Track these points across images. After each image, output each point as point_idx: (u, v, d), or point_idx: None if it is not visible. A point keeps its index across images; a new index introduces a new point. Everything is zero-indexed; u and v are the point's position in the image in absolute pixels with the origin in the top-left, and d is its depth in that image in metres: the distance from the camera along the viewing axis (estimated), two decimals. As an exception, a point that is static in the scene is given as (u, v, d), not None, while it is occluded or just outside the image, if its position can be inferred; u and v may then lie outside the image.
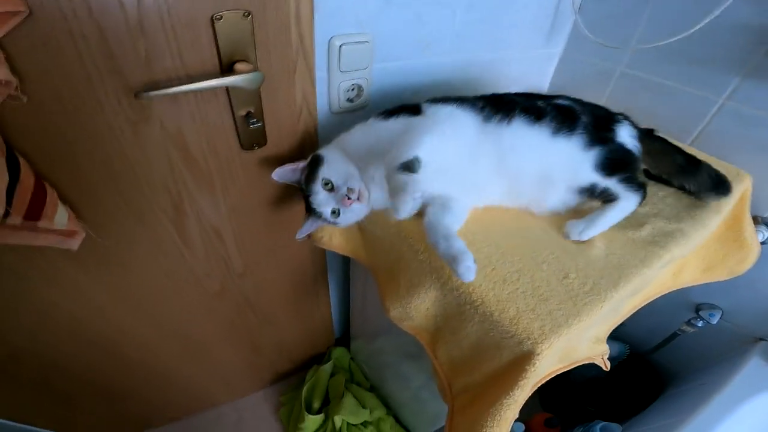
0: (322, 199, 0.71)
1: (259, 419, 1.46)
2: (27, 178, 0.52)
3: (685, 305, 1.18)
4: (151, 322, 0.94)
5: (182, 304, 0.95)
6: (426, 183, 0.64)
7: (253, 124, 0.70)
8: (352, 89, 0.81)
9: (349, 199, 0.68)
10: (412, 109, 0.74)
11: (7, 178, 0.46)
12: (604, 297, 0.62)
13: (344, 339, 1.57)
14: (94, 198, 0.67)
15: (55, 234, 0.58)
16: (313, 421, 1.31)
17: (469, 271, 0.57)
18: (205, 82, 0.60)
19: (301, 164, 0.74)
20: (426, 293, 0.70)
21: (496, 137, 0.71)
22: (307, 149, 0.83)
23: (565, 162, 0.71)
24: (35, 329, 0.80)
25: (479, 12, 0.88)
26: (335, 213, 0.71)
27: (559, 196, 0.74)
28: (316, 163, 0.72)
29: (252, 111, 0.70)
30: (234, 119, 0.70)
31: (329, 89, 0.80)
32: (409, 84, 0.89)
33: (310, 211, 0.73)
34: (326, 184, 0.70)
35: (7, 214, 0.50)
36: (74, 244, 0.62)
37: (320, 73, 0.76)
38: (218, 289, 0.98)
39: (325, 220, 0.73)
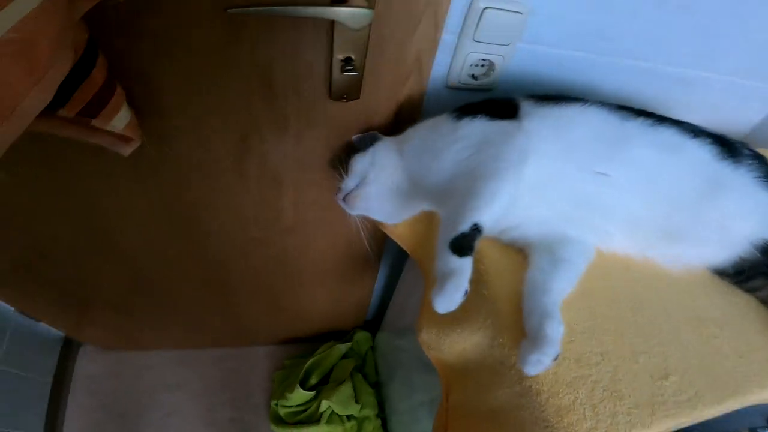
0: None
1: (253, 374, 1.45)
2: (98, 76, 0.47)
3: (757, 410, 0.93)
4: (184, 246, 0.92)
5: (220, 240, 0.92)
6: (524, 214, 0.53)
7: (348, 71, 0.60)
8: (481, 64, 0.68)
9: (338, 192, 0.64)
10: (501, 107, 0.59)
11: (66, 70, 0.40)
12: (696, 413, 0.49)
13: (372, 324, 1.50)
14: (164, 109, 0.61)
15: (107, 135, 0.54)
16: (301, 395, 1.27)
17: (538, 366, 0.46)
18: (304, 7, 0.50)
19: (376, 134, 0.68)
20: (471, 334, 0.59)
21: (642, 143, 0.55)
22: (404, 119, 0.72)
23: (752, 201, 0.56)
24: (76, 231, 0.81)
25: (695, 16, 0.66)
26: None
27: (723, 247, 0.59)
28: (363, 142, 0.66)
29: (353, 57, 0.59)
30: (330, 62, 0.60)
31: (453, 58, 0.66)
32: (556, 79, 0.73)
33: None
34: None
35: (60, 106, 0.46)
36: (126, 149, 0.58)
37: (448, 37, 0.63)
38: (259, 236, 0.93)
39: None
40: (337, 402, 1.25)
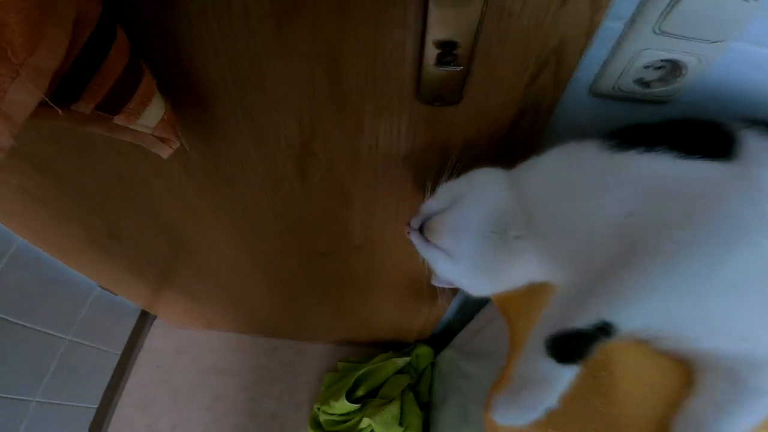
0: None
1: (304, 371, 1.42)
2: (115, 62, 0.37)
3: None
4: (244, 250, 0.84)
5: (283, 248, 0.82)
6: (713, 321, 0.35)
7: (447, 63, 0.43)
8: (660, 66, 0.46)
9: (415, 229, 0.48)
10: (703, 136, 0.38)
11: (58, 55, 0.30)
12: None
13: (439, 339, 1.35)
14: (209, 102, 0.50)
15: (139, 133, 0.44)
16: (344, 406, 1.20)
17: None
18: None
19: None
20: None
21: None
22: (519, 140, 0.54)
23: None
24: (137, 216, 0.76)
25: None
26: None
27: None
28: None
29: (457, 42, 0.42)
30: (421, 50, 0.43)
31: (614, 54, 0.45)
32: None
33: None
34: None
35: (74, 100, 0.36)
36: (163, 151, 0.48)
37: (612, 24, 0.43)
38: (324, 250, 0.81)
39: None
40: (380, 423, 1.17)
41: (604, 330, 0.33)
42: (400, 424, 1.20)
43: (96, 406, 1.28)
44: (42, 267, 1.03)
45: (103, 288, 1.19)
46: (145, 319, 1.42)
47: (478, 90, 0.48)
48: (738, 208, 0.32)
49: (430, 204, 0.50)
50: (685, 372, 0.41)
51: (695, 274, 0.32)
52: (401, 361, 1.29)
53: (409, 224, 0.51)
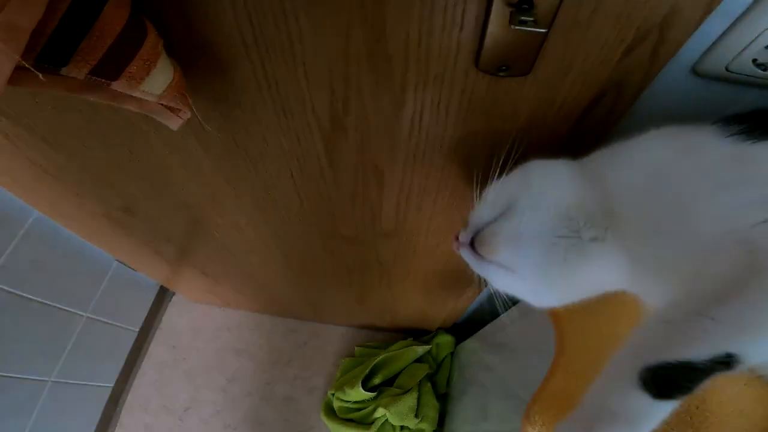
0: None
1: (321, 354, 1.39)
2: (113, 17, 0.30)
3: None
4: (263, 229, 0.79)
5: (303, 230, 0.76)
6: None
7: (522, 23, 0.34)
8: None
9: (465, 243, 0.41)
10: None
11: (35, 9, 0.24)
12: None
13: (461, 328, 1.29)
14: (226, 67, 0.43)
15: (142, 102, 0.37)
16: (360, 394, 1.17)
17: None
18: None
19: None
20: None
21: None
22: (597, 122, 0.46)
23: None
24: (152, 191, 0.71)
25: None
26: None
27: None
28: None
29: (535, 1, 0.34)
30: (487, 8, 0.35)
31: (732, 28, 0.36)
32: None
33: None
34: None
35: (63, 64, 0.30)
36: (173, 122, 0.42)
37: None
38: (351, 235, 0.75)
39: None
40: (395, 413, 1.13)
41: (726, 363, 0.26)
42: (416, 416, 1.16)
43: (112, 385, 1.28)
44: (59, 241, 1.00)
45: (121, 262, 1.17)
46: (163, 296, 1.41)
47: (554, 61, 0.40)
48: None
49: (481, 212, 0.43)
50: None
51: None
52: (421, 350, 1.24)
53: (457, 238, 0.44)
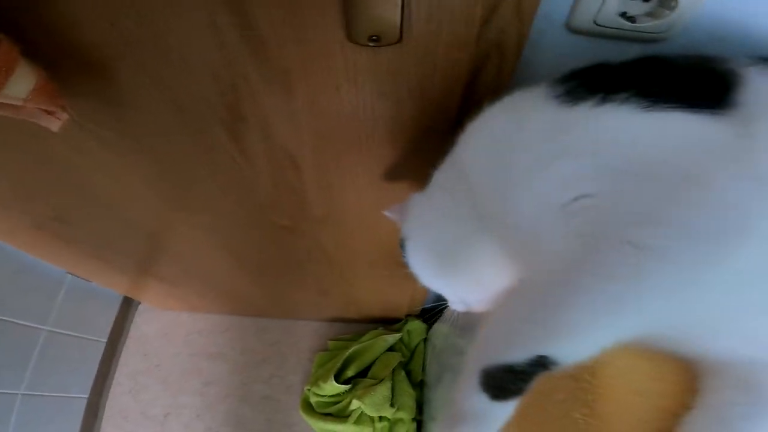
0: None
1: (294, 351, 1.40)
2: None
3: None
4: (197, 228, 0.79)
5: (239, 223, 0.77)
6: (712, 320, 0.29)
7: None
8: None
9: None
10: (687, 77, 0.28)
11: None
12: None
13: (430, 313, 1.31)
14: (104, 69, 0.43)
15: (14, 108, 0.38)
16: (333, 388, 1.19)
17: None
18: None
19: None
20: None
21: None
22: (488, 80, 0.46)
23: None
24: (76, 198, 0.71)
25: None
26: None
27: None
28: None
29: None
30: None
31: None
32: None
33: None
34: None
35: None
36: (52, 124, 0.42)
37: None
38: (288, 224, 0.76)
39: None
40: (370, 404, 1.15)
41: (542, 365, 0.27)
42: (392, 405, 1.17)
43: (87, 396, 1.29)
44: (6, 258, 1.00)
45: (74, 275, 1.17)
46: (129, 305, 1.41)
47: (422, 26, 0.40)
48: (738, 194, 0.24)
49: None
50: (688, 377, 0.35)
51: (672, 289, 0.24)
52: (391, 338, 1.25)
53: None
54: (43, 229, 0.82)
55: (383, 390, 1.17)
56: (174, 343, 1.41)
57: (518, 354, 0.27)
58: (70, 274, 1.17)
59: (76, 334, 1.24)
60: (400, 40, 0.41)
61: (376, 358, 1.25)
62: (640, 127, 0.26)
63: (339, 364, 1.23)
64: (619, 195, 0.25)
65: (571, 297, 0.26)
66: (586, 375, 0.36)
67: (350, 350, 1.24)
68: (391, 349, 1.27)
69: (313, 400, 1.26)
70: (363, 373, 1.25)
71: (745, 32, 0.40)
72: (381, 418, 1.20)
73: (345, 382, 1.22)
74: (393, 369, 1.22)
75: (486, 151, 0.34)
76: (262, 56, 0.43)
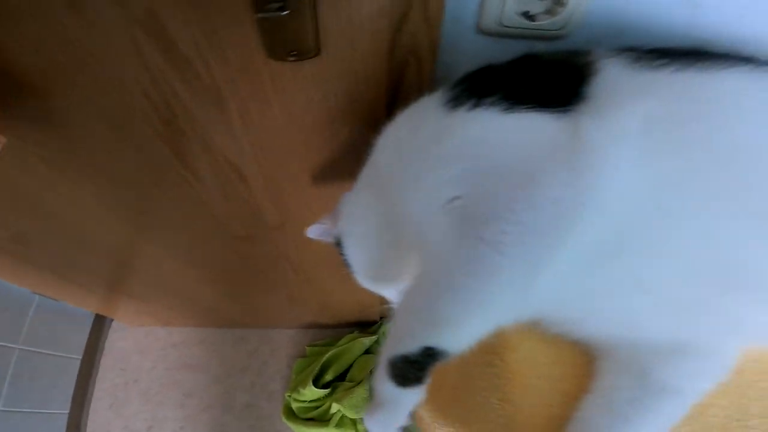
0: None
1: (273, 358, 1.42)
2: None
3: None
4: (157, 243, 0.81)
5: (197, 235, 0.79)
6: (588, 301, 0.32)
7: (276, 10, 0.38)
8: None
9: None
10: (547, 77, 0.32)
11: None
12: None
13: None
14: (37, 91, 0.45)
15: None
16: (313, 392, 1.22)
17: None
18: None
19: None
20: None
21: None
22: (411, 84, 0.49)
23: None
24: (31, 218, 0.72)
25: None
26: None
27: None
28: None
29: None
30: (253, 3, 0.38)
31: None
32: (662, 27, 0.43)
33: None
34: None
35: None
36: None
37: None
38: (246, 234, 0.78)
39: None
40: (348, 406, 1.18)
41: (431, 355, 0.29)
42: (371, 405, 1.20)
43: (67, 412, 1.30)
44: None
45: (40, 294, 1.18)
46: (101, 322, 1.42)
47: (336, 40, 0.43)
48: (560, 189, 0.26)
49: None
50: (587, 361, 0.37)
51: (525, 278, 0.28)
52: (367, 341, 1.28)
53: None
54: (1, 250, 0.83)
55: (362, 392, 1.20)
56: (150, 357, 1.42)
57: (410, 346, 0.30)
58: (38, 294, 1.18)
59: (49, 352, 1.24)
60: (318, 53, 0.44)
61: (354, 361, 1.28)
62: (500, 129, 0.29)
63: (317, 369, 1.25)
64: (479, 196, 0.28)
65: (444, 293, 0.29)
66: (497, 360, 0.38)
67: (327, 355, 1.26)
68: (368, 351, 1.30)
69: (294, 405, 1.29)
70: (341, 377, 1.28)
71: (638, 23, 0.43)
72: (361, 420, 1.23)
73: (324, 387, 1.24)
74: (371, 371, 1.25)
75: (391, 153, 0.37)
76: (188, 75, 0.45)
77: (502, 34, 0.45)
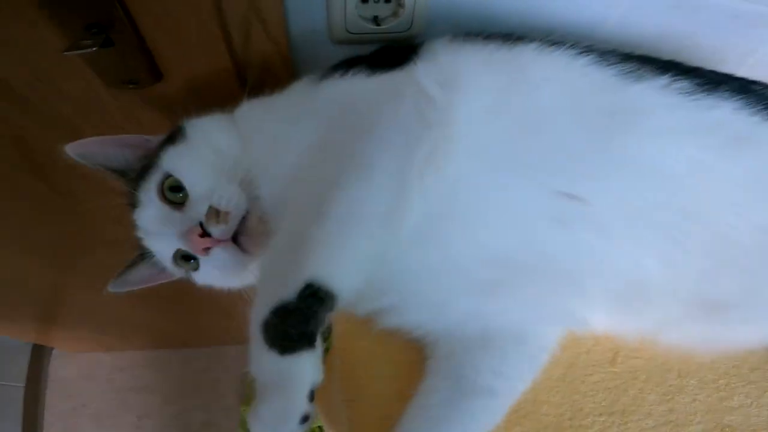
0: (155, 223, 0.40)
1: (225, 375, 1.42)
2: None
3: None
4: (65, 271, 0.82)
5: (103, 261, 0.79)
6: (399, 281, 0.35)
7: (92, 47, 0.38)
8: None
9: (204, 234, 0.36)
10: (395, 53, 0.39)
11: None
12: None
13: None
14: None
15: None
16: None
17: None
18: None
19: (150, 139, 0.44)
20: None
21: (673, 127, 0.33)
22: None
23: None
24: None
25: None
26: (186, 260, 0.41)
27: None
28: (171, 139, 0.41)
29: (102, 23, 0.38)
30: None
31: None
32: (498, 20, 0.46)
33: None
34: (173, 190, 0.39)
35: None
36: None
37: None
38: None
39: (165, 269, 0.44)
40: None
41: (315, 295, 0.27)
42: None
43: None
44: None
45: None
46: (41, 351, 1.41)
47: (176, 64, 0.45)
48: (407, 105, 0.33)
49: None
50: (421, 359, 0.38)
51: (390, 180, 0.32)
52: (317, 347, 1.30)
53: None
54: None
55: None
56: (97, 382, 1.41)
57: (285, 291, 0.27)
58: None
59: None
60: (161, 78, 0.45)
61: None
62: (364, 84, 0.36)
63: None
64: (345, 128, 0.35)
65: (316, 218, 0.30)
66: (338, 362, 0.40)
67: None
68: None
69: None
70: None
71: (474, 16, 0.46)
72: (320, 428, 1.24)
73: (278, 397, 1.26)
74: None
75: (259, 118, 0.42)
76: (32, 110, 0.46)
77: (354, 40, 0.47)
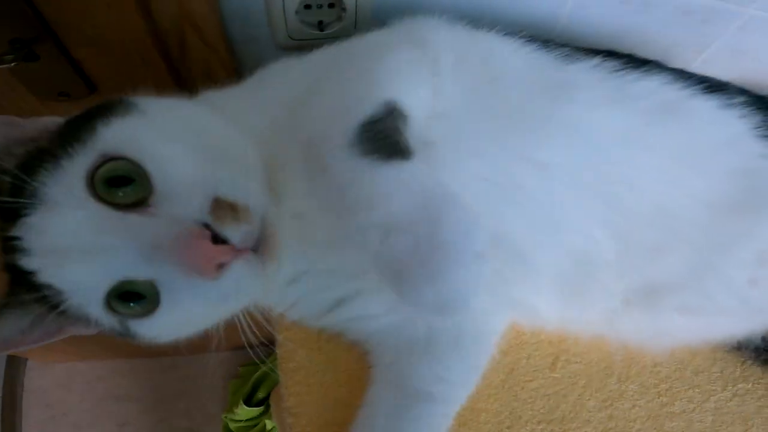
0: (86, 234, 0.26)
1: (207, 382, 1.43)
2: None
3: None
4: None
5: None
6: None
7: (12, 62, 0.38)
8: (327, 3, 0.44)
9: (217, 240, 0.25)
10: None
11: None
12: None
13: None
14: None
15: None
16: (246, 411, 1.24)
17: None
18: None
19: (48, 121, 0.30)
20: None
21: (606, 99, 0.35)
22: None
23: None
24: None
25: None
26: (127, 300, 0.28)
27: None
28: (102, 114, 0.28)
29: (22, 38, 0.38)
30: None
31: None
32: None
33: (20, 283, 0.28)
34: (113, 183, 0.26)
35: None
36: None
37: None
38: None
39: (69, 320, 0.30)
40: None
41: (394, 113, 0.28)
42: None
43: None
44: None
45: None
46: (15, 362, 1.41)
47: (108, 77, 0.45)
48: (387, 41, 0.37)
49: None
50: (363, 367, 0.39)
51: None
52: (297, 353, 1.31)
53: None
54: None
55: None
56: (75, 391, 1.41)
57: (369, 106, 0.27)
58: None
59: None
60: (95, 90, 0.45)
61: (284, 377, 1.31)
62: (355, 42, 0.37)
63: (248, 388, 1.28)
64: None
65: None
66: (280, 371, 0.41)
67: (257, 374, 1.29)
68: (298, 364, 1.32)
69: (232, 426, 1.31)
70: (275, 393, 1.31)
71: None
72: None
73: (259, 404, 1.26)
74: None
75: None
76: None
77: (301, 46, 0.46)
